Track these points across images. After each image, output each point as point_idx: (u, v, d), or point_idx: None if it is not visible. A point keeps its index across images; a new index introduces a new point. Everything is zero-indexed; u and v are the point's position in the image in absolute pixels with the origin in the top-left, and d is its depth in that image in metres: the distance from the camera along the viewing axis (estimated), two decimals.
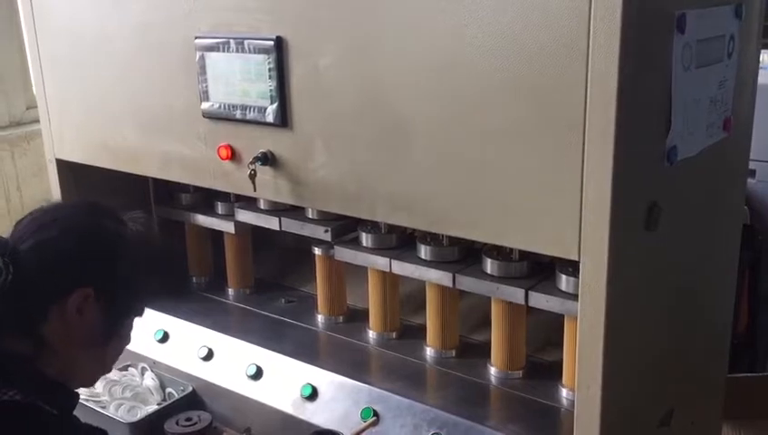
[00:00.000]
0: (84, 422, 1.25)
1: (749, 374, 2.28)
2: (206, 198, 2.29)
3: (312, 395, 1.82)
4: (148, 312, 2.15)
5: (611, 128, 1.20)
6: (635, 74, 1.20)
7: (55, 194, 2.18)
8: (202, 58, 1.70)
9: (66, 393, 1.24)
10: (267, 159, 1.67)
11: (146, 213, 1.33)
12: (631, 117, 1.22)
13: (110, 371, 1.36)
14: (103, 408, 1.92)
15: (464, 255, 1.82)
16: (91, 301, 1.19)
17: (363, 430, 1.71)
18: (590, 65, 1.20)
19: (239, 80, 1.66)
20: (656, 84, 1.30)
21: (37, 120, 2.47)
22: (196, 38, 1.71)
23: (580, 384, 1.36)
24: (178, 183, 2.26)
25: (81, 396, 1.96)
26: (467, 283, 1.75)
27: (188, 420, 1.89)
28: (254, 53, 1.62)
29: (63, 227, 1.21)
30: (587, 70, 1.21)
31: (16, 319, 1.16)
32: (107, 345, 1.28)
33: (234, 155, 1.72)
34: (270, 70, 1.60)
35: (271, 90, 1.61)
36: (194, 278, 2.41)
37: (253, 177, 1.67)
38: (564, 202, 1.29)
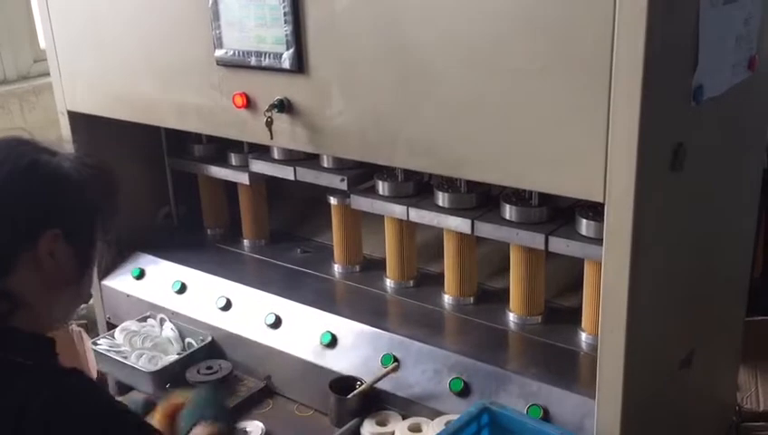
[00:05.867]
0: (61, 366, 1.15)
1: (765, 317, 2.28)
2: (220, 150, 2.27)
3: (332, 343, 1.83)
4: (165, 264, 2.20)
5: (639, 66, 1.18)
6: (663, 10, 1.17)
7: (67, 146, 2.16)
8: (215, 3, 1.67)
9: (41, 342, 1.15)
10: (284, 106, 1.64)
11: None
12: (659, 55, 1.19)
13: (87, 300, 1.29)
14: (125, 358, 1.94)
15: (482, 201, 1.81)
16: (61, 241, 1.13)
17: (384, 376, 1.72)
18: (618, 1, 1.17)
19: (254, 25, 1.63)
20: (683, 21, 1.27)
21: (45, 74, 2.44)
22: None
23: (604, 328, 1.36)
24: (191, 134, 2.25)
25: (102, 347, 2.00)
26: (486, 229, 1.75)
27: (209, 368, 1.91)
28: None
29: (8, 169, 1.11)
30: (614, 6, 1.18)
31: None
32: (82, 280, 1.21)
33: (249, 103, 1.70)
34: (285, 14, 1.57)
35: (286, 35, 1.58)
36: (209, 230, 2.40)
37: (269, 124, 1.65)
38: (589, 143, 1.27)
